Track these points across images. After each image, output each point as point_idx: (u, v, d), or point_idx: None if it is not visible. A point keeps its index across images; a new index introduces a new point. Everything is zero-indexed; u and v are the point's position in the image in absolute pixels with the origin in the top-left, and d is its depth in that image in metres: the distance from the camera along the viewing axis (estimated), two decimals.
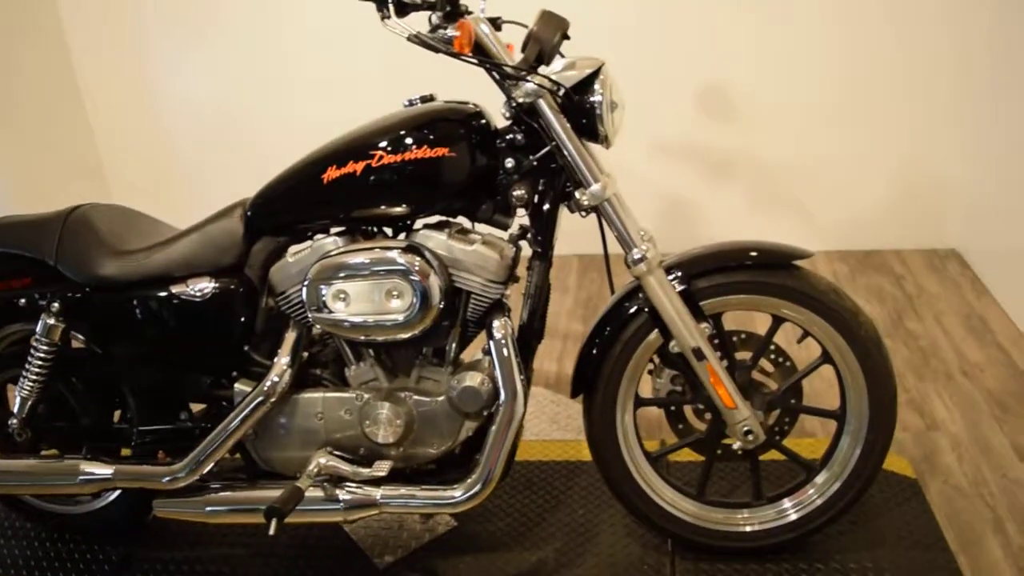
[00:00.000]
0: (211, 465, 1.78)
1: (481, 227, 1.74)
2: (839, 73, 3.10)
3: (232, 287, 1.74)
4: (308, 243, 1.74)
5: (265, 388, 1.73)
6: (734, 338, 1.77)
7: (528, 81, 1.58)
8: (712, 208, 3.35)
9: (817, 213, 3.29)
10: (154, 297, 1.75)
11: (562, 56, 1.63)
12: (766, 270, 1.67)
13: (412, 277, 1.60)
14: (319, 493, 1.74)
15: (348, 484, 1.73)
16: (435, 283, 1.61)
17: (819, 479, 1.78)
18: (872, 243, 3.28)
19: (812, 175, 3.23)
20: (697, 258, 1.70)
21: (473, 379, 1.69)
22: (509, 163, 1.65)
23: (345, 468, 1.72)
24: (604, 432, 1.77)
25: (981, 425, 2.28)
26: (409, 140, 1.60)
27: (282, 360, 1.74)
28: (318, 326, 1.70)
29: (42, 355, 1.82)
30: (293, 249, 1.73)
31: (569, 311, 3.10)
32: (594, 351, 1.74)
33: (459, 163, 1.62)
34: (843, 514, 1.78)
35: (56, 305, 1.79)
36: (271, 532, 1.60)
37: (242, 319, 1.76)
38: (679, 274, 1.68)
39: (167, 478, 1.79)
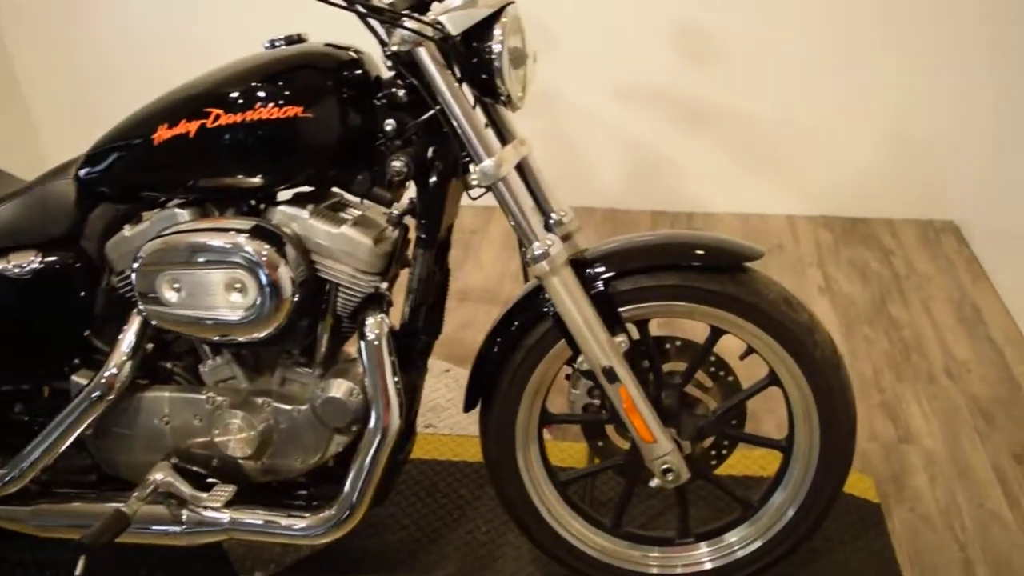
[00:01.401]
0: (38, 469, 1.50)
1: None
2: (830, 18, 2.68)
3: (64, 262, 1.45)
4: (152, 213, 1.41)
5: (102, 381, 1.43)
6: (667, 345, 1.46)
7: (401, 25, 1.22)
8: (684, 164, 2.99)
9: (801, 173, 2.92)
10: None
11: None
12: (704, 273, 1.34)
13: (256, 268, 1.28)
14: (161, 511, 1.46)
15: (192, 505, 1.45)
16: (285, 275, 1.29)
17: (754, 521, 1.49)
18: (861, 210, 2.92)
19: (797, 130, 2.84)
20: (618, 253, 1.37)
21: (339, 388, 1.40)
22: (389, 126, 1.31)
23: (184, 489, 1.43)
24: (501, 452, 1.48)
25: (961, 439, 1.98)
26: (254, 95, 1.26)
27: (121, 349, 1.44)
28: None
29: None
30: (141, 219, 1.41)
31: (515, 273, 2.78)
32: (491, 357, 1.43)
33: (318, 125, 1.28)
34: (770, 568, 1.49)
35: None
36: (76, 573, 1.32)
37: (78, 300, 1.47)
38: (594, 273, 1.35)
39: None
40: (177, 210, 1.38)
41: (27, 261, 1.44)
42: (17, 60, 3.15)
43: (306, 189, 1.41)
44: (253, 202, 1.40)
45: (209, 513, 1.44)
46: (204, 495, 1.42)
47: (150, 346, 1.47)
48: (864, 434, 1.99)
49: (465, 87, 1.31)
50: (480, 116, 1.29)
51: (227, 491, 1.42)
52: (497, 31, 1.25)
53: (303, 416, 1.43)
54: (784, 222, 2.94)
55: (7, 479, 1.50)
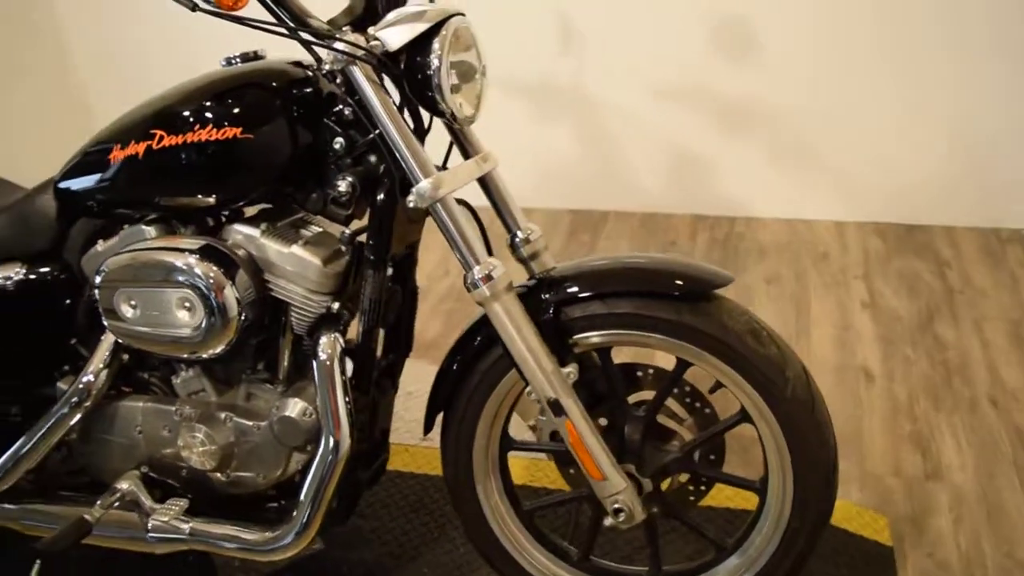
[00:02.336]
0: (23, 471, 1.55)
1: None
2: (886, 11, 2.48)
3: (47, 275, 1.49)
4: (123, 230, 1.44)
5: (79, 387, 1.46)
6: (638, 373, 1.38)
7: (332, 47, 1.18)
8: (727, 165, 2.84)
9: (853, 176, 2.73)
10: None
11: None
12: (661, 301, 1.25)
13: (202, 288, 1.27)
14: (127, 518, 1.48)
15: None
16: (231, 296, 1.28)
17: (728, 564, 1.39)
18: (919, 216, 2.70)
19: (847, 129, 2.65)
20: (572, 278, 1.29)
21: (294, 408, 1.38)
22: (338, 144, 1.28)
23: (144, 500, 1.45)
24: (459, 477, 1.43)
25: (997, 477, 1.80)
26: (196, 117, 1.25)
27: (97, 359, 1.47)
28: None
29: None
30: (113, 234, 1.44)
31: None
32: (448, 379, 1.39)
33: (259, 146, 1.26)
34: None
35: None
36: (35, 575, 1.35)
37: (63, 310, 1.50)
38: (545, 298, 1.28)
39: None
40: (143, 226, 1.39)
41: (13, 273, 1.49)
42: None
43: (267, 207, 1.40)
44: (215, 219, 1.40)
45: (172, 523, 1.45)
46: (159, 507, 1.43)
47: (126, 356, 1.50)
48: (887, 468, 1.85)
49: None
50: (413, 137, 1.23)
51: (179, 504, 1.43)
52: (436, 45, 1.19)
53: (262, 433, 1.42)
54: (832, 229, 2.76)
55: None
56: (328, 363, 1.33)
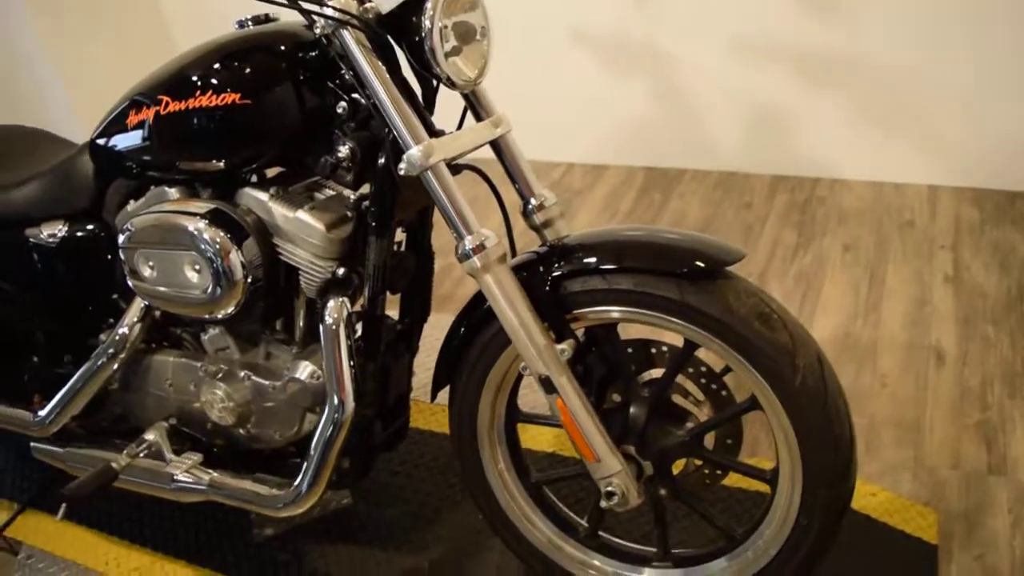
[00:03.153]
0: (68, 416, 1.65)
1: None
2: None
3: (87, 233, 1.56)
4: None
5: (115, 340, 1.54)
6: (652, 350, 1.31)
7: (320, 11, 1.15)
8: (810, 123, 2.65)
9: (949, 136, 2.49)
10: (9, 238, 1.61)
11: None
12: (663, 278, 1.17)
13: (209, 253, 1.30)
14: (153, 467, 1.55)
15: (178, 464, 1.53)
16: (236, 261, 1.31)
17: (737, 553, 1.32)
18: (1022, 183, 2.44)
19: (946, 86, 2.41)
20: (574, 250, 1.23)
21: (304, 370, 1.42)
22: (341, 108, 1.27)
23: (166, 451, 1.52)
24: (464, 447, 1.42)
25: None
26: (198, 83, 1.26)
27: (130, 314, 1.54)
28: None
29: None
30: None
31: None
32: (453, 348, 1.37)
33: (261, 111, 1.26)
34: None
35: None
36: (58, 516, 1.44)
37: (103, 266, 1.58)
38: (542, 271, 1.23)
39: (32, 425, 1.68)
40: (167, 188, 1.43)
41: (56, 230, 1.57)
42: None
43: (283, 171, 1.40)
44: (231, 182, 1.41)
45: (193, 472, 1.52)
46: (177, 458, 1.49)
47: (157, 312, 1.56)
48: (945, 459, 1.71)
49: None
50: (404, 103, 1.19)
51: (193, 458, 1.49)
52: (428, 5, 1.14)
53: (277, 392, 1.45)
54: (924, 193, 2.54)
55: (46, 421, 1.67)
56: (334, 327, 1.34)
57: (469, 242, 1.18)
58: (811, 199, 2.65)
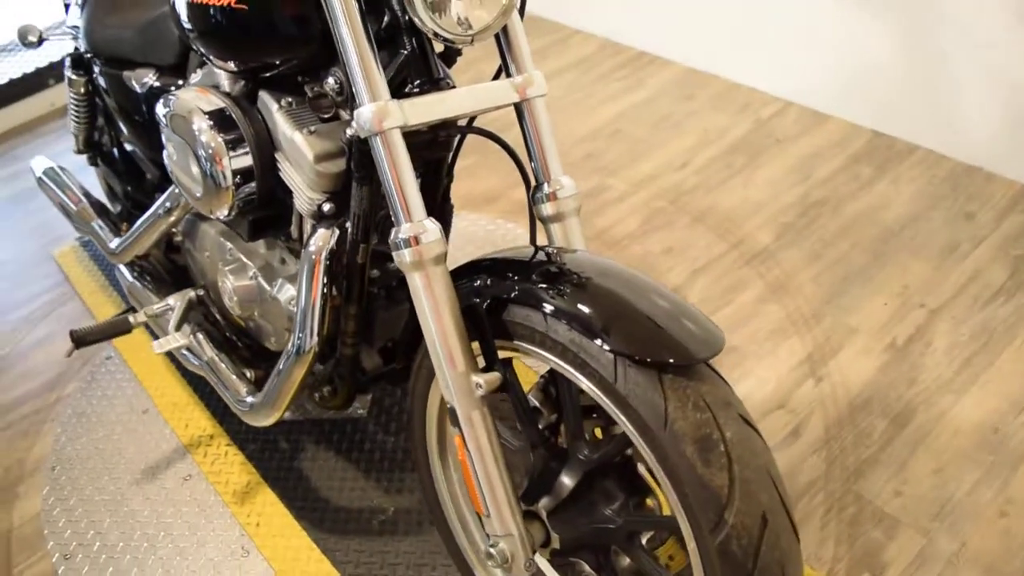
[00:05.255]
0: (133, 254, 1.74)
1: None
2: None
3: (171, 87, 1.55)
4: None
5: (171, 194, 1.58)
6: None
7: None
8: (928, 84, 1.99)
9: None
10: (114, 77, 1.68)
11: None
12: (604, 350, 0.92)
13: (201, 154, 1.24)
14: (163, 330, 1.62)
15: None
16: (227, 167, 1.24)
17: None
18: None
19: None
20: (536, 271, 1.00)
21: (286, 292, 1.36)
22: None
23: (171, 319, 1.56)
24: (417, 457, 1.31)
25: None
26: None
27: None
28: None
29: (73, 101, 1.89)
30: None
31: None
32: (412, 330, 1.23)
33: (259, 19, 1.12)
34: None
35: (68, 60, 1.84)
36: (66, 355, 1.55)
37: None
38: (487, 285, 1.02)
39: (109, 249, 1.81)
40: (214, 68, 1.37)
41: (146, 77, 1.59)
42: None
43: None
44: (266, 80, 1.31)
45: (196, 344, 1.55)
46: (176, 333, 1.53)
47: None
48: None
49: None
50: (371, 54, 0.98)
51: (187, 338, 1.51)
52: None
53: (269, 302, 1.42)
54: None
55: (117, 251, 1.78)
56: (313, 257, 1.24)
57: (405, 231, 1.00)
58: None
